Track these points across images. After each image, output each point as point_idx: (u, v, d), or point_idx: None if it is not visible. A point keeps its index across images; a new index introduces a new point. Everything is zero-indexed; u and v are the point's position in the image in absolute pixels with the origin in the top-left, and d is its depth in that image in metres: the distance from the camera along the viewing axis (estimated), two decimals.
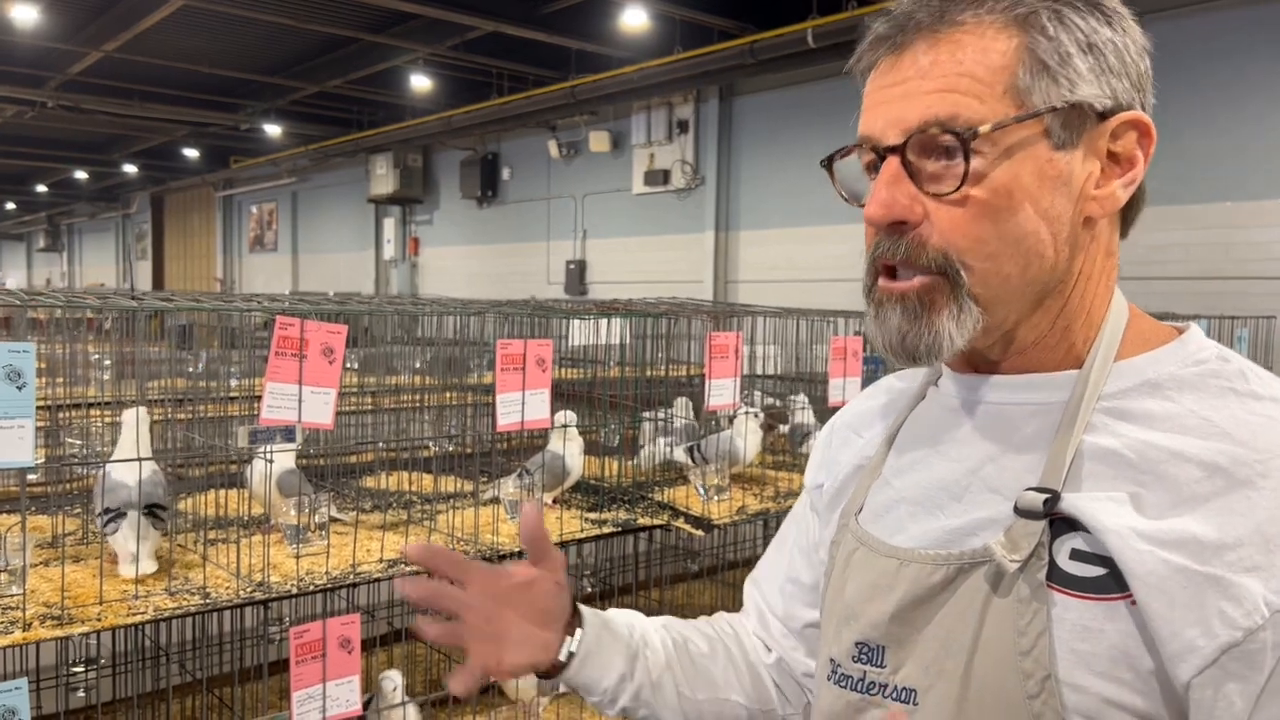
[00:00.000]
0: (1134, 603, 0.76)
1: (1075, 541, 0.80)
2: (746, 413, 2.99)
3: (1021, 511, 0.82)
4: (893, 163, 0.85)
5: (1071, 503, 0.80)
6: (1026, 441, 0.87)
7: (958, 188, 0.82)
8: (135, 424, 2.04)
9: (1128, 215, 0.91)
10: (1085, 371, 0.86)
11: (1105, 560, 0.78)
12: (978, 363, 0.92)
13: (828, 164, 0.94)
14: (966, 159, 0.82)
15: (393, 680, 2.38)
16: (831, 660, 0.95)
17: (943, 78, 0.83)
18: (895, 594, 0.88)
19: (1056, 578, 0.80)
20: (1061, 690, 0.78)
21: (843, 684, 0.93)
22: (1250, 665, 0.72)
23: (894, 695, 0.88)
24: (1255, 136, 6.90)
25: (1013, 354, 0.89)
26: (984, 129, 0.81)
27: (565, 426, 2.65)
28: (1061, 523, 0.81)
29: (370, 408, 3.11)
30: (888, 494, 0.97)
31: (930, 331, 0.86)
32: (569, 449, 2.65)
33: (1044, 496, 0.80)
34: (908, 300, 0.87)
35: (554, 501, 2.65)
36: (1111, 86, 0.84)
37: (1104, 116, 0.84)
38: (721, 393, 2.67)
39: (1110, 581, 0.78)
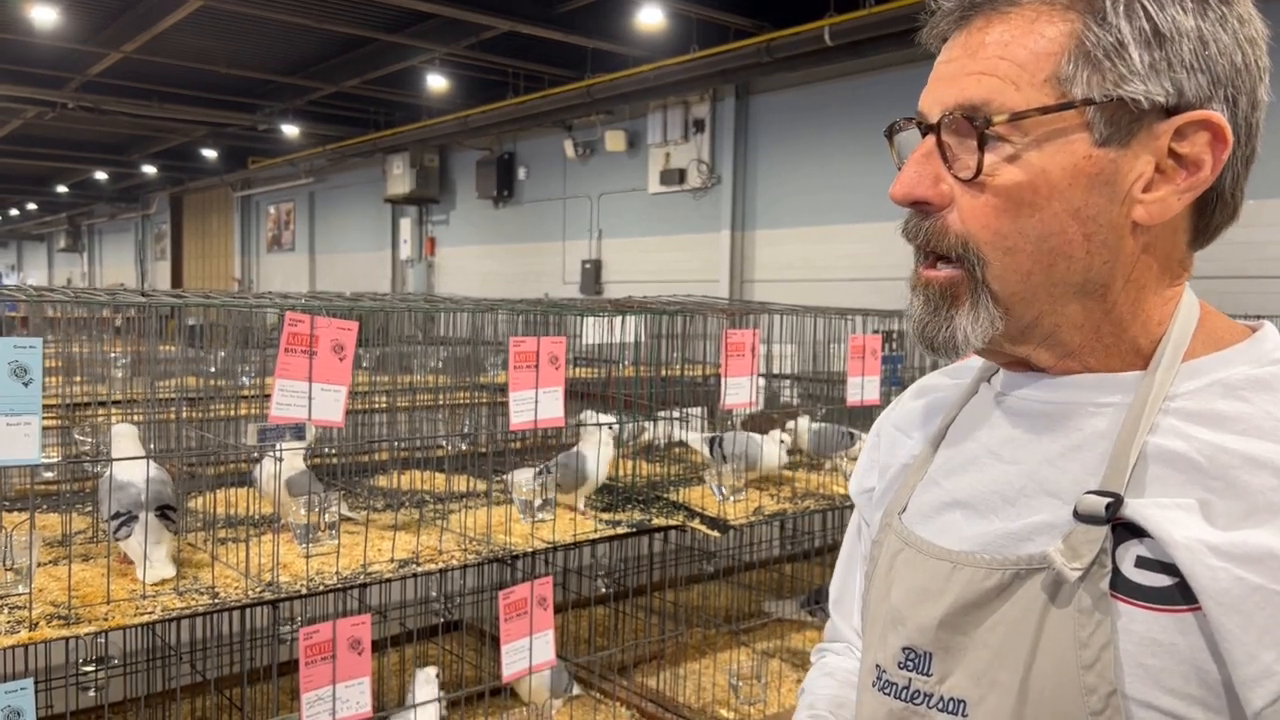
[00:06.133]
0: (1205, 614, 0.72)
1: (1140, 549, 0.76)
2: (782, 441, 2.97)
3: (1082, 516, 0.77)
4: (927, 141, 0.83)
5: (1136, 509, 0.75)
6: (1087, 442, 0.82)
7: (974, 175, 0.80)
8: (125, 436, 2.02)
9: (1204, 223, 0.84)
10: (1151, 371, 0.81)
11: (1173, 569, 0.73)
12: (1031, 364, 0.88)
13: (889, 133, 0.91)
14: (981, 146, 0.79)
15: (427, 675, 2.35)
16: (877, 666, 0.91)
17: (986, 60, 0.80)
18: (946, 598, 0.84)
19: (1121, 587, 0.75)
20: (1129, 707, 0.74)
21: (886, 691, 0.89)
22: None
23: (939, 706, 0.84)
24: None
25: (1062, 357, 0.85)
26: (998, 118, 0.78)
27: (600, 425, 2.58)
28: (1124, 528, 0.76)
29: (384, 406, 3.09)
30: (936, 494, 0.92)
31: (947, 325, 0.84)
32: (594, 452, 2.56)
33: (1106, 501, 0.76)
34: (931, 289, 0.85)
35: (582, 507, 2.58)
36: (1177, 82, 0.77)
37: (1169, 113, 0.77)
38: (738, 391, 2.63)
39: (1178, 592, 0.73)
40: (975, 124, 0.79)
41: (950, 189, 0.82)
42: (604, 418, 2.67)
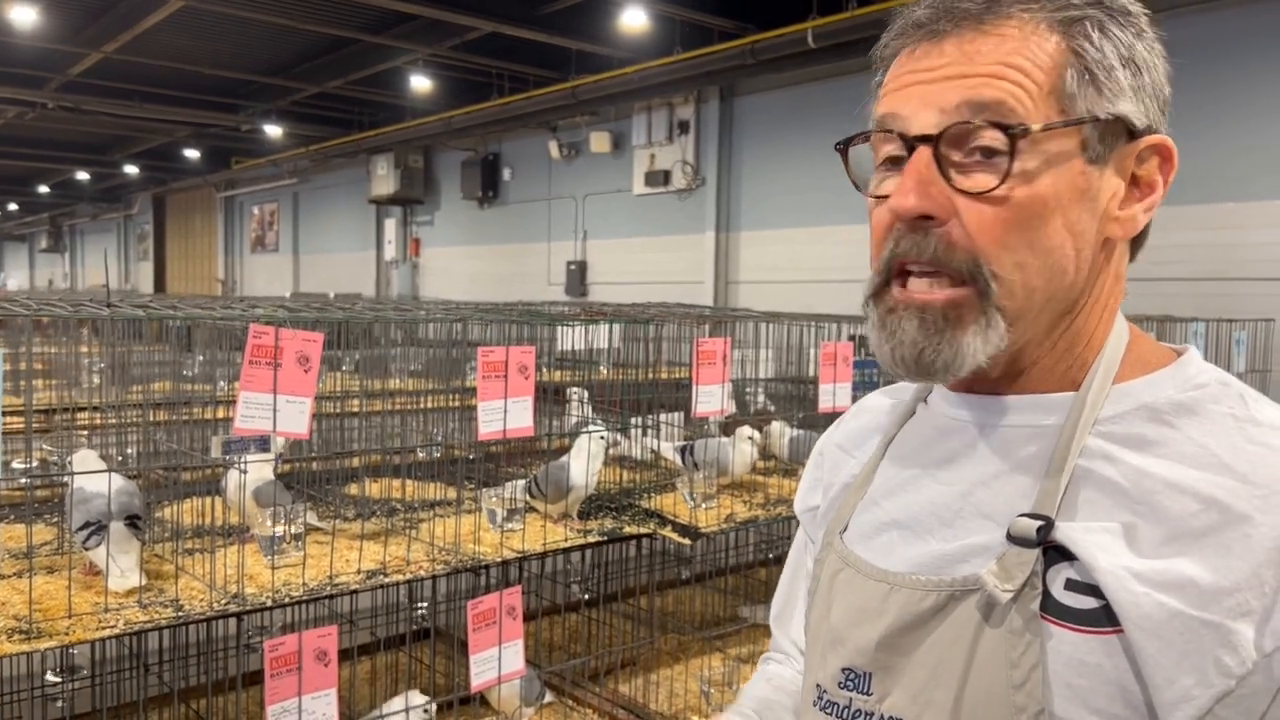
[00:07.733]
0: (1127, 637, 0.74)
1: (1069, 571, 0.77)
2: (751, 437, 2.97)
3: (1014, 539, 0.79)
4: (925, 152, 0.80)
5: (1065, 533, 0.77)
6: (1021, 465, 0.84)
7: (997, 185, 0.78)
8: (88, 462, 2.01)
9: (1140, 239, 0.88)
10: (1082, 394, 0.83)
11: (1100, 591, 0.75)
12: (972, 382, 0.88)
13: (844, 147, 0.89)
14: (1012, 155, 0.77)
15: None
16: (818, 686, 0.92)
17: (992, 64, 0.79)
18: (884, 619, 0.85)
19: (1051, 609, 0.77)
20: None
21: (828, 711, 0.90)
22: (1243, 712, 0.71)
23: None
24: (1259, 137, 6.84)
25: (1012, 374, 0.86)
26: (1035, 127, 0.77)
27: (589, 432, 2.57)
28: (1055, 551, 0.78)
29: (356, 411, 3.08)
30: (876, 514, 0.93)
31: (952, 347, 0.81)
32: (577, 462, 2.54)
33: (1037, 524, 0.77)
34: (929, 312, 0.81)
35: (558, 518, 2.58)
36: (1145, 105, 0.81)
37: (1134, 136, 0.81)
38: (709, 399, 2.64)
39: (1104, 615, 0.75)
40: (1011, 131, 0.77)
41: (950, 202, 0.79)
42: (593, 425, 2.67)
